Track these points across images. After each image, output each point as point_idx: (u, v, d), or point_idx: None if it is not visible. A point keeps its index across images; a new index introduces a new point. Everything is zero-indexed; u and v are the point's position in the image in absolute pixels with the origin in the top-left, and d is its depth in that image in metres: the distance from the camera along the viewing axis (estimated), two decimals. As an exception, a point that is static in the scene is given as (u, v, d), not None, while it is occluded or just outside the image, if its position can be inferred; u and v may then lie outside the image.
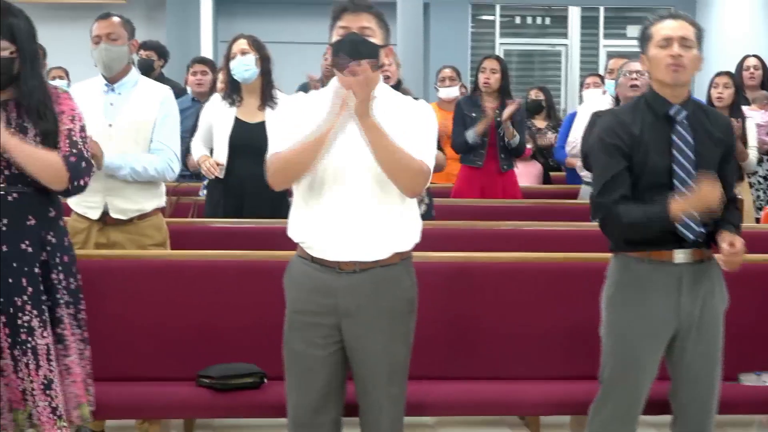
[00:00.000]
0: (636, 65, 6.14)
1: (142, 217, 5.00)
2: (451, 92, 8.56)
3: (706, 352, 3.92)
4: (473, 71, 8.30)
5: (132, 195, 4.95)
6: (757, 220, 7.12)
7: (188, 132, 6.06)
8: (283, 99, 5.63)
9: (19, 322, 3.73)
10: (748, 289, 4.56)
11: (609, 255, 4.02)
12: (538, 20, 17.76)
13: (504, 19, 17.57)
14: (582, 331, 4.45)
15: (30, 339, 3.73)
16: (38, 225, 3.81)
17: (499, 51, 16.83)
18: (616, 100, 6.52)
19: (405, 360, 3.78)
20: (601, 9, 17.38)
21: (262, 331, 4.06)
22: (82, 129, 3.91)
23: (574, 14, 17.51)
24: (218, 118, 5.89)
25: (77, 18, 13.28)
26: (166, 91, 5.17)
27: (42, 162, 3.75)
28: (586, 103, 8.13)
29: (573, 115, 7.87)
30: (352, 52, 3.55)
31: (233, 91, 5.91)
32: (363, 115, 3.49)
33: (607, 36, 17.42)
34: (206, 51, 15.09)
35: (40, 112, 3.80)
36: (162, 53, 8.74)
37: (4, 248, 3.74)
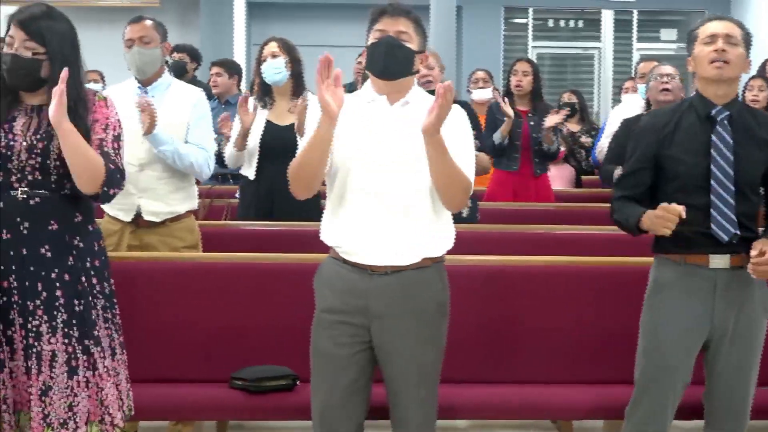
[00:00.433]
0: (667, 68, 6.11)
1: (175, 219, 5.03)
2: (484, 94, 8.54)
3: (740, 362, 3.89)
4: (505, 74, 8.28)
5: (164, 197, 4.98)
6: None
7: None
8: (315, 101, 5.64)
9: (29, 326, 3.73)
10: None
11: (641, 259, 4.01)
12: (571, 23, 17.70)
13: (537, 22, 17.52)
14: (615, 335, 4.44)
15: (36, 344, 3.72)
16: (61, 230, 3.78)
17: (532, 54, 16.80)
18: (647, 103, 6.49)
19: (435, 363, 3.77)
20: (635, 12, 17.31)
21: (295, 333, 4.06)
22: (115, 138, 3.86)
23: (608, 17, 17.44)
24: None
25: (111, 21, 13.36)
26: (199, 93, 5.20)
27: (86, 158, 3.69)
28: (619, 108, 8.10)
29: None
30: (384, 55, 3.58)
31: (264, 93, 5.93)
32: (433, 134, 3.46)
33: (640, 39, 17.34)
34: (239, 54, 15.14)
35: (70, 118, 3.73)
36: (195, 56, 8.77)
37: (24, 251, 3.73)
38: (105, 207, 5.01)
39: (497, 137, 7.25)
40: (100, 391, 3.80)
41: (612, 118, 7.61)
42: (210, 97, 6.07)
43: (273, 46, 5.89)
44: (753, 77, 7.60)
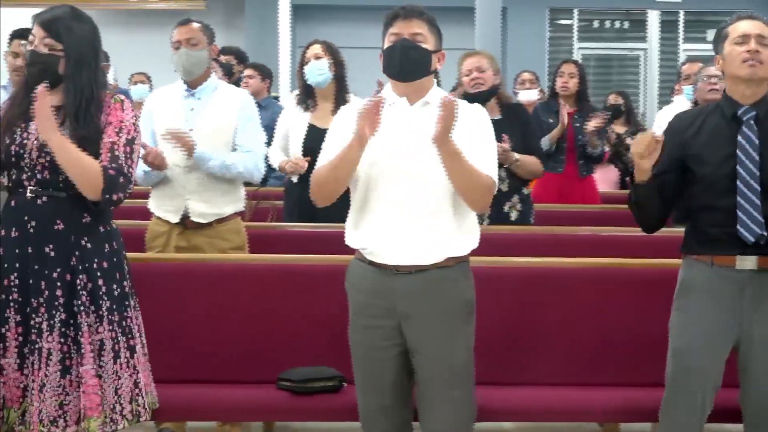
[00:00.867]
0: (714, 69, 6.07)
1: (222, 220, 5.05)
2: (531, 95, 8.53)
3: None
4: (551, 76, 8.26)
5: (211, 199, 5.00)
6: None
7: None
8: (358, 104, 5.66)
9: (32, 322, 3.76)
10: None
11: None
12: (617, 24, 17.62)
13: (582, 23, 17.46)
14: (655, 337, 4.40)
15: (38, 340, 3.75)
16: (67, 230, 3.80)
17: (577, 55, 16.74)
18: (695, 104, 6.44)
19: (466, 363, 3.77)
20: (681, 12, 17.20)
21: (341, 334, 4.06)
22: (128, 142, 3.84)
23: (654, 18, 17.34)
24: (293, 124, 5.93)
25: (158, 24, 13.43)
26: (246, 95, 5.22)
27: (80, 166, 3.70)
28: (666, 109, 8.04)
29: None
30: (401, 58, 3.62)
31: (307, 96, 5.94)
32: (444, 144, 3.48)
33: (686, 40, 17.23)
34: (284, 56, 15.19)
35: (78, 117, 3.77)
36: (241, 58, 8.80)
37: (29, 250, 3.77)
38: (153, 208, 5.06)
39: (545, 143, 7.23)
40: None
41: (659, 119, 7.57)
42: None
43: (316, 49, 5.90)
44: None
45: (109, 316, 3.84)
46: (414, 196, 3.63)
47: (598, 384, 4.51)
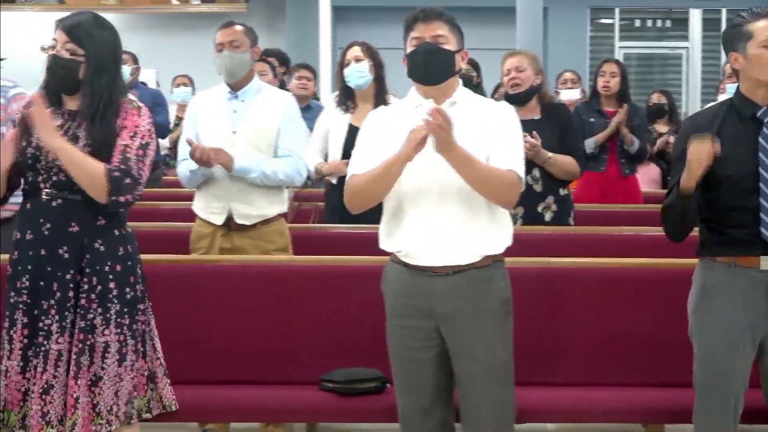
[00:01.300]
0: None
1: (266, 222, 5.06)
2: (573, 94, 8.51)
3: None
4: (592, 75, 8.24)
5: (255, 201, 5.01)
6: None
7: None
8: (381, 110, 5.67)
9: (40, 324, 3.78)
10: None
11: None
12: (659, 23, 17.52)
13: (623, 22, 17.38)
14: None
15: (45, 342, 3.77)
16: (81, 232, 3.82)
17: (619, 54, 16.66)
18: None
19: (506, 362, 3.78)
20: (723, 11, 17.06)
21: (383, 335, 4.07)
22: (142, 147, 3.86)
23: (696, 16, 17.23)
24: (333, 125, 5.94)
25: (199, 27, 13.51)
26: (289, 97, 5.24)
27: (83, 169, 3.74)
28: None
29: None
30: (424, 63, 3.61)
31: (347, 97, 5.95)
32: (447, 151, 3.50)
33: (729, 38, 17.08)
34: (324, 58, 15.22)
35: (95, 121, 3.81)
36: (283, 60, 8.82)
37: (43, 252, 3.80)
38: (197, 210, 5.09)
39: (590, 146, 7.22)
40: (97, 396, 3.81)
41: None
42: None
43: (356, 50, 5.91)
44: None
45: (118, 319, 3.84)
46: (446, 196, 3.64)
47: (642, 384, 4.48)
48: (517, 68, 5.75)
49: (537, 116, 5.71)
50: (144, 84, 10.17)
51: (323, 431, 5.40)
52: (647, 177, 8.42)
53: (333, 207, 5.95)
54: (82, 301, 3.81)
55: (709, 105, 4.18)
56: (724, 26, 17.07)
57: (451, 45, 3.71)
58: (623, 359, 4.56)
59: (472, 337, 3.69)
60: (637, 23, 17.56)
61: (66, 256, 3.80)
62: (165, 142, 9.00)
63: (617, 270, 4.66)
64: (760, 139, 3.74)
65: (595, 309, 4.59)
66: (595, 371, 4.56)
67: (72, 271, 3.81)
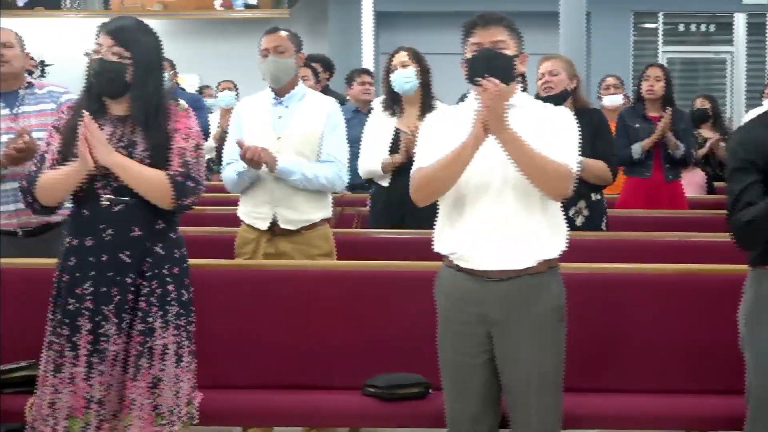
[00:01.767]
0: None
1: (310, 227, 5.08)
2: (616, 100, 8.49)
3: None
4: (635, 80, 8.20)
5: (300, 206, 5.03)
6: None
7: (354, 142, 6.11)
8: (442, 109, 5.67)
9: (102, 330, 3.80)
10: None
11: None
12: (703, 27, 17.39)
13: (667, 26, 17.27)
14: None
15: (107, 347, 3.80)
16: (143, 236, 3.85)
17: (662, 59, 16.55)
18: (786, 108, 6.35)
19: (556, 370, 3.76)
20: (769, 15, 16.95)
21: (427, 341, 4.07)
22: (196, 148, 3.93)
23: (740, 20, 17.08)
24: (379, 129, 5.95)
25: (243, 32, 13.57)
26: (333, 103, 5.25)
27: (145, 180, 3.79)
28: (753, 112, 7.94)
29: None
30: (485, 68, 3.58)
31: (393, 102, 5.95)
32: (498, 130, 3.50)
33: (775, 42, 16.98)
34: (367, 63, 15.23)
35: (149, 125, 3.85)
36: (328, 66, 8.86)
37: (104, 258, 3.82)
38: (242, 215, 5.12)
39: (636, 151, 7.20)
40: (158, 397, 3.85)
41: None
42: (342, 104, 6.12)
43: (403, 56, 5.91)
44: None
45: (176, 321, 3.90)
46: (504, 198, 3.63)
47: (694, 391, 4.45)
48: (550, 72, 5.78)
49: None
50: (182, 89, 10.25)
51: (366, 436, 5.41)
52: (693, 182, 8.37)
53: (379, 212, 5.96)
54: (142, 305, 3.85)
55: (755, 111, 4.11)
56: (769, 30, 16.96)
57: (510, 50, 3.70)
58: (675, 366, 4.53)
59: (524, 345, 3.68)
60: (681, 27, 17.44)
61: (128, 260, 3.83)
62: (209, 143, 9.06)
63: (672, 276, 4.63)
64: None
65: (649, 315, 4.55)
66: (647, 378, 4.53)
67: (133, 275, 3.84)
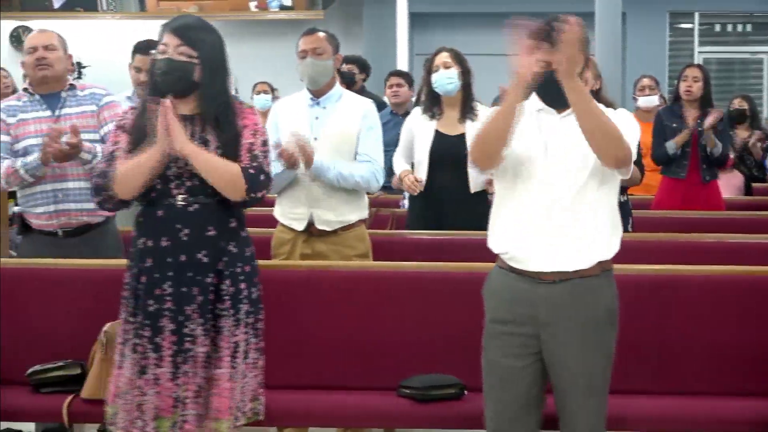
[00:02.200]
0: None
1: (346, 228, 5.09)
2: (651, 101, 8.45)
3: None
4: (671, 81, 8.18)
5: (336, 206, 5.05)
6: None
7: (390, 145, 6.12)
8: (483, 111, 5.67)
9: (186, 330, 3.83)
10: None
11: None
12: (739, 27, 17.28)
13: (703, 26, 17.17)
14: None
15: (192, 347, 3.83)
16: (218, 236, 3.89)
17: (698, 59, 16.45)
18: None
19: (604, 372, 3.74)
20: (806, 14, 16.83)
21: (462, 342, 4.08)
22: (264, 143, 3.98)
23: (777, 20, 17.00)
24: (419, 131, 5.94)
25: (278, 34, 13.56)
26: (369, 104, 5.26)
27: (220, 170, 3.83)
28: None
29: None
30: (548, 95, 3.60)
31: (433, 103, 5.94)
32: (568, 76, 3.46)
33: (812, 42, 16.85)
34: (402, 64, 15.23)
35: (220, 123, 3.88)
36: (363, 67, 8.86)
37: (182, 258, 3.85)
38: (278, 216, 5.14)
39: (671, 147, 7.18)
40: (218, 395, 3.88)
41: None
42: (379, 108, 6.12)
43: (445, 57, 5.88)
44: None
45: (246, 319, 3.94)
46: (559, 199, 3.61)
47: (745, 394, 4.43)
48: None
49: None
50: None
51: (401, 437, 5.41)
52: (731, 184, 8.33)
53: (417, 213, 5.95)
54: (218, 304, 3.89)
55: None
56: (806, 30, 16.84)
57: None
58: (721, 368, 4.51)
59: (573, 347, 3.67)
60: (717, 28, 17.33)
61: (205, 260, 3.87)
62: None
63: (719, 278, 4.61)
64: None
65: (700, 317, 4.54)
66: (698, 380, 4.52)
67: (211, 275, 3.88)
